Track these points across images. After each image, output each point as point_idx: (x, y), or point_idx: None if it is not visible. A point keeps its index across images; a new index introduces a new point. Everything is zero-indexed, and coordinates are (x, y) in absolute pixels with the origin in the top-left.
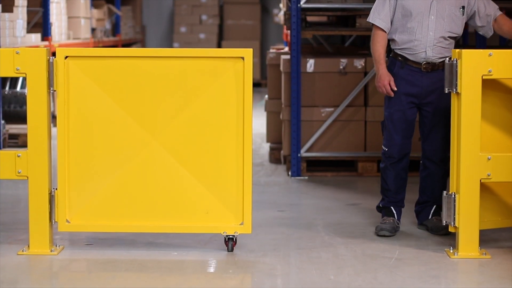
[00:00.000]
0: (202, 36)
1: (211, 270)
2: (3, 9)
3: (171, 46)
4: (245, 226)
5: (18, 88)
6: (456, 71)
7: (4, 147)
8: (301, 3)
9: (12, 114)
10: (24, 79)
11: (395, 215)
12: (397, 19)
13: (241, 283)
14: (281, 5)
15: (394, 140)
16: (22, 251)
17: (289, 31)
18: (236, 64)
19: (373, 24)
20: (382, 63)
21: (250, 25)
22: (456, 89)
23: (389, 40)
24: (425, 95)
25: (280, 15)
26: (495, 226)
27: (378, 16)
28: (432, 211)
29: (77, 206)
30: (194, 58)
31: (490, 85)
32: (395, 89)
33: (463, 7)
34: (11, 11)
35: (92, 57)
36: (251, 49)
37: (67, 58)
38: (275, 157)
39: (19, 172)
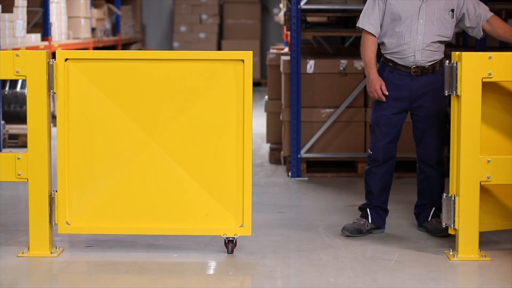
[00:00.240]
0: (202, 35)
1: (211, 272)
2: (3, 9)
3: (171, 46)
4: (245, 228)
5: (18, 88)
6: (456, 73)
7: (4, 147)
8: (301, 4)
9: (12, 114)
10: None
11: (369, 217)
12: (386, 23)
13: (241, 285)
14: (281, 5)
15: (379, 144)
16: (22, 253)
17: (289, 32)
18: (236, 67)
19: (362, 29)
20: (373, 68)
21: (250, 25)
22: (456, 92)
23: (379, 44)
24: (415, 99)
25: (280, 15)
26: (494, 228)
27: (368, 21)
28: (431, 213)
29: (77, 208)
30: (194, 61)
31: (490, 88)
32: (387, 93)
33: (453, 10)
34: (11, 11)
35: (92, 60)
36: (251, 52)
37: (67, 61)
38: (275, 157)
39: (19, 175)
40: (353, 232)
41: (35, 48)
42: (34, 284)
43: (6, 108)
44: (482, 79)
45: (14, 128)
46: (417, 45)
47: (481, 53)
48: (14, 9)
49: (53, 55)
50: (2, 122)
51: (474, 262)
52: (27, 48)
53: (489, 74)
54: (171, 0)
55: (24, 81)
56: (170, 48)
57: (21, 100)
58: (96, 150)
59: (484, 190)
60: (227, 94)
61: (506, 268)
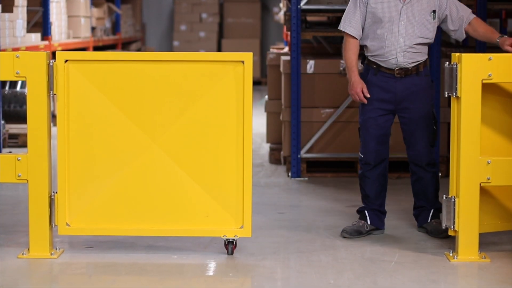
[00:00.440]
0: (202, 34)
1: (211, 273)
2: (3, 9)
3: (171, 44)
4: (245, 230)
5: (18, 88)
6: (456, 75)
7: (4, 147)
8: (301, 4)
9: (12, 114)
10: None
11: (368, 219)
12: (368, 26)
13: (241, 286)
14: (281, 5)
15: (369, 147)
16: (22, 254)
17: (289, 32)
18: (236, 68)
19: (344, 32)
20: (355, 71)
21: (250, 23)
22: (456, 93)
23: (363, 47)
24: (400, 101)
25: (280, 15)
26: (494, 229)
27: (349, 24)
28: (430, 215)
29: (77, 209)
30: (194, 62)
31: (490, 89)
32: (368, 96)
33: (434, 11)
34: (11, 11)
35: (92, 61)
36: (251, 53)
37: (67, 62)
38: (275, 157)
39: (19, 176)
40: (353, 233)
41: (35, 47)
42: (34, 286)
43: (6, 107)
44: (482, 81)
45: (14, 128)
46: (399, 47)
47: (481, 54)
48: (14, 8)
49: (53, 55)
50: (2, 121)
51: (474, 263)
52: (27, 48)
53: (489, 75)
54: None
55: (24, 81)
56: (170, 46)
57: (21, 99)
58: (96, 151)
59: (484, 192)
60: (227, 96)
61: (506, 269)
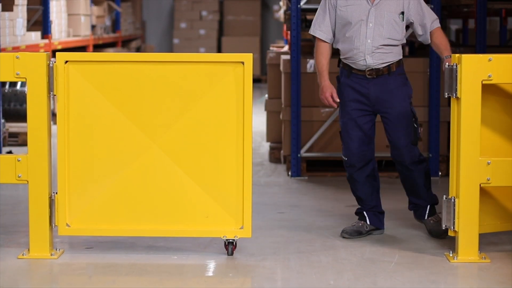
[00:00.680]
0: (202, 32)
1: (211, 274)
2: (3, 8)
3: (171, 42)
4: (245, 230)
5: (18, 87)
6: (456, 76)
7: (4, 145)
8: (301, 3)
9: (12, 112)
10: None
11: (367, 219)
12: (338, 29)
13: (241, 287)
14: (281, 3)
15: (351, 149)
16: (22, 255)
17: (289, 31)
18: (236, 69)
19: (314, 36)
20: (324, 75)
21: (250, 21)
22: (456, 94)
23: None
24: (374, 101)
25: (280, 13)
26: (494, 230)
27: (319, 28)
28: (427, 212)
29: (77, 210)
30: (194, 63)
31: (490, 90)
32: (338, 100)
33: (403, 13)
34: (11, 10)
35: (92, 62)
36: (251, 54)
37: (67, 63)
38: (275, 156)
39: (19, 177)
40: (353, 234)
41: (35, 46)
42: (34, 286)
43: (6, 106)
44: (482, 81)
45: (14, 126)
46: (367, 49)
47: (481, 55)
48: (14, 7)
49: (53, 53)
50: (2, 120)
51: (474, 264)
52: (27, 46)
53: (489, 76)
54: None
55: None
56: (170, 44)
57: (21, 98)
58: (96, 152)
59: (484, 192)
60: (227, 96)
61: (506, 270)
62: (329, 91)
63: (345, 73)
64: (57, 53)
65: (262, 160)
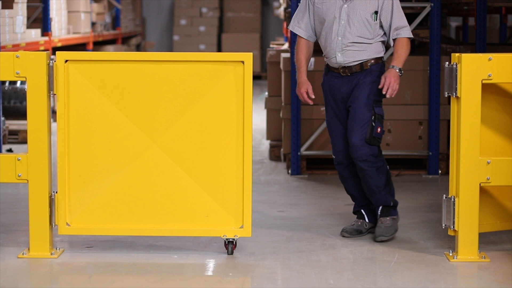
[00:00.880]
0: (202, 28)
1: (211, 273)
2: (3, 5)
3: (171, 39)
4: (245, 230)
5: (18, 84)
6: (456, 75)
7: (4, 143)
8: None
9: (12, 110)
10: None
11: (365, 217)
12: (317, 26)
13: (241, 286)
14: (281, 0)
15: (336, 146)
16: (23, 254)
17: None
18: (236, 68)
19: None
20: (302, 72)
21: (250, 18)
22: (455, 93)
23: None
24: (347, 99)
25: (280, 10)
26: (494, 229)
27: (298, 25)
28: (378, 213)
29: (77, 209)
30: (194, 62)
31: (489, 89)
32: (313, 97)
33: (376, 12)
34: (11, 7)
35: (92, 61)
36: (251, 53)
37: (67, 62)
38: (275, 154)
39: (19, 176)
40: (353, 233)
41: (35, 43)
42: (34, 286)
43: (6, 103)
44: (482, 81)
45: (14, 124)
46: (337, 46)
47: (481, 54)
48: (14, 5)
49: (53, 51)
50: (2, 118)
51: (474, 263)
52: (27, 44)
53: (489, 75)
54: None
55: None
56: (170, 41)
57: (21, 95)
58: (96, 151)
59: (484, 191)
60: (227, 96)
61: (506, 269)
62: (304, 87)
63: (325, 70)
64: (57, 53)
65: (262, 158)
